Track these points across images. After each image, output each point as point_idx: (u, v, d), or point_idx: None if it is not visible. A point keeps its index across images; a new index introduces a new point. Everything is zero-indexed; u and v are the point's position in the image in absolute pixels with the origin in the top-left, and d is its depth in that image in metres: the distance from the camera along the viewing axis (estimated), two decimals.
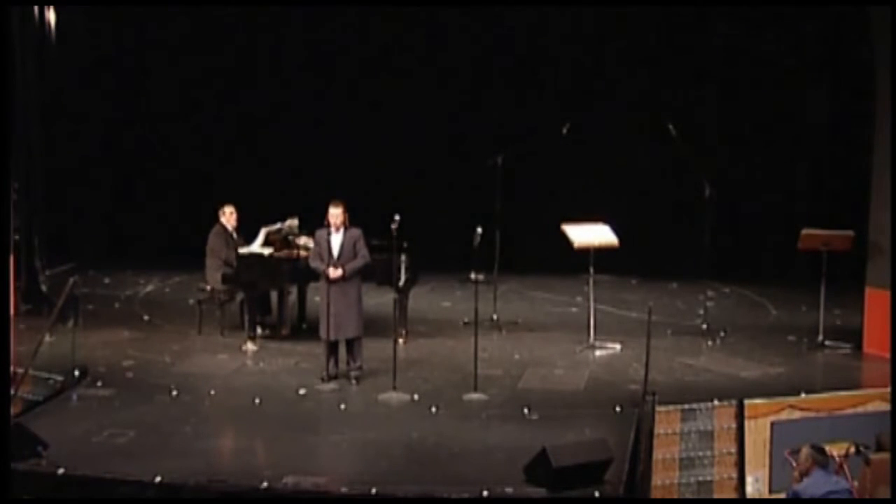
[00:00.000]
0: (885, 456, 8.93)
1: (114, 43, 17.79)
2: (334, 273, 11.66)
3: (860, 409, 10.81)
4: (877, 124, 12.92)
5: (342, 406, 11.26)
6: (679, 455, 10.32)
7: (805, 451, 8.53)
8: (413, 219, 12.39)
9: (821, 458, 8.51)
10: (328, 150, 17.34)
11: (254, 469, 9.62)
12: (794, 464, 8.64)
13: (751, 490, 10.50)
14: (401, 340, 12.78)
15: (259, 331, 13.31)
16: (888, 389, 10.81)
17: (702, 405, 10.48)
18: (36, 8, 15.71)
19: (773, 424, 10.55)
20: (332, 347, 11.93)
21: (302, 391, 11.62)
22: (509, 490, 9.13)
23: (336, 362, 11.97)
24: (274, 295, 13.76)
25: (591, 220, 13.51)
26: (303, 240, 13.19)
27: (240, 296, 13.41)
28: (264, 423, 10.84)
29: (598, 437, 9.98)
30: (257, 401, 11.25)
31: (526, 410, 11.00)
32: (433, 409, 11.10)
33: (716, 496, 10.43)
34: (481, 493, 9.04)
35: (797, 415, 10.68)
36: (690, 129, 15.16)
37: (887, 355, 12.03)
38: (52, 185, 16.13)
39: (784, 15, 16.25)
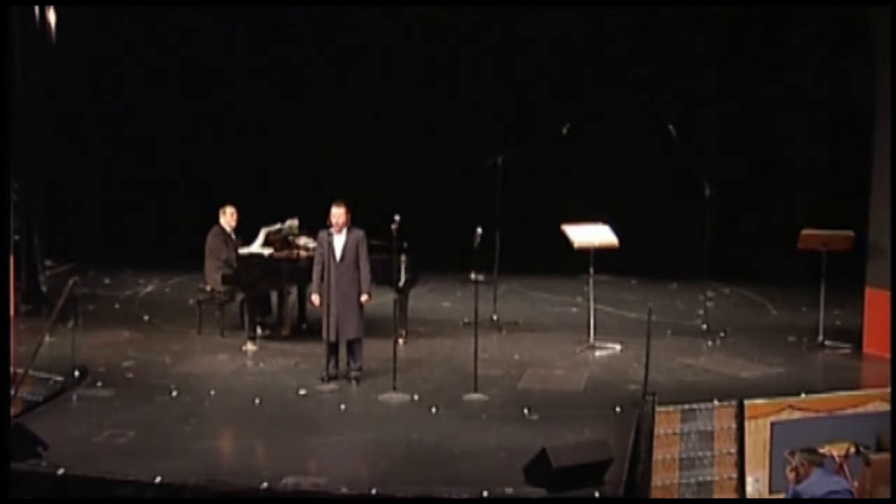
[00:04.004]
0: (885, 456, 8.93)
1: (114, 43, 17.77)
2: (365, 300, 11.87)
3: (860, 410, 10.82)
4: (877, 124, 12.91)
5: (342, 406, 11.26)
6: (679, 455, 10.33)
7: (798, 457, 8.52)
8: (413, 219, 12.39)
9: (815, 458, 8.51)
10: (328, 149, 17.32)
11: (254, 469, 9.62)
12: (792, 464, 8.63)
13: (751, 490, 10.51)
14: (401, 341, 12.76)
15: (259, 331, 13.31)
16: (888, 389, 10.82)
17: (702, 405, 10.49)
18: (36, 8, 15.69)
19: (773, 424, 10.56)
20: (333, 348, 11.92)
21: (302, 391, 11.62)
22: (509, 490, 9.12)
23: (336, 363, 11.97)
24: (274, 295, 13.77)
25: (591, 220, 13.51)
26: (303, 240, 13.20)
27: (240, 296, 13.41)
28: (264, 423, 10.84)
29: (598, 437, 9.97)
30: (257, 401, 11.25)
31: (526, 411, 11.00)
32: (433, 410, 11.09)
33: (716, 496, 10.44)
34: (481, 494, 9.03)
35: (797, 415, 10.69)
36: (690, 128, 15.15)
37: (887, 355, 12.02)
38: (52, 185, 16.12)
39: (784, 14, 16.24)
